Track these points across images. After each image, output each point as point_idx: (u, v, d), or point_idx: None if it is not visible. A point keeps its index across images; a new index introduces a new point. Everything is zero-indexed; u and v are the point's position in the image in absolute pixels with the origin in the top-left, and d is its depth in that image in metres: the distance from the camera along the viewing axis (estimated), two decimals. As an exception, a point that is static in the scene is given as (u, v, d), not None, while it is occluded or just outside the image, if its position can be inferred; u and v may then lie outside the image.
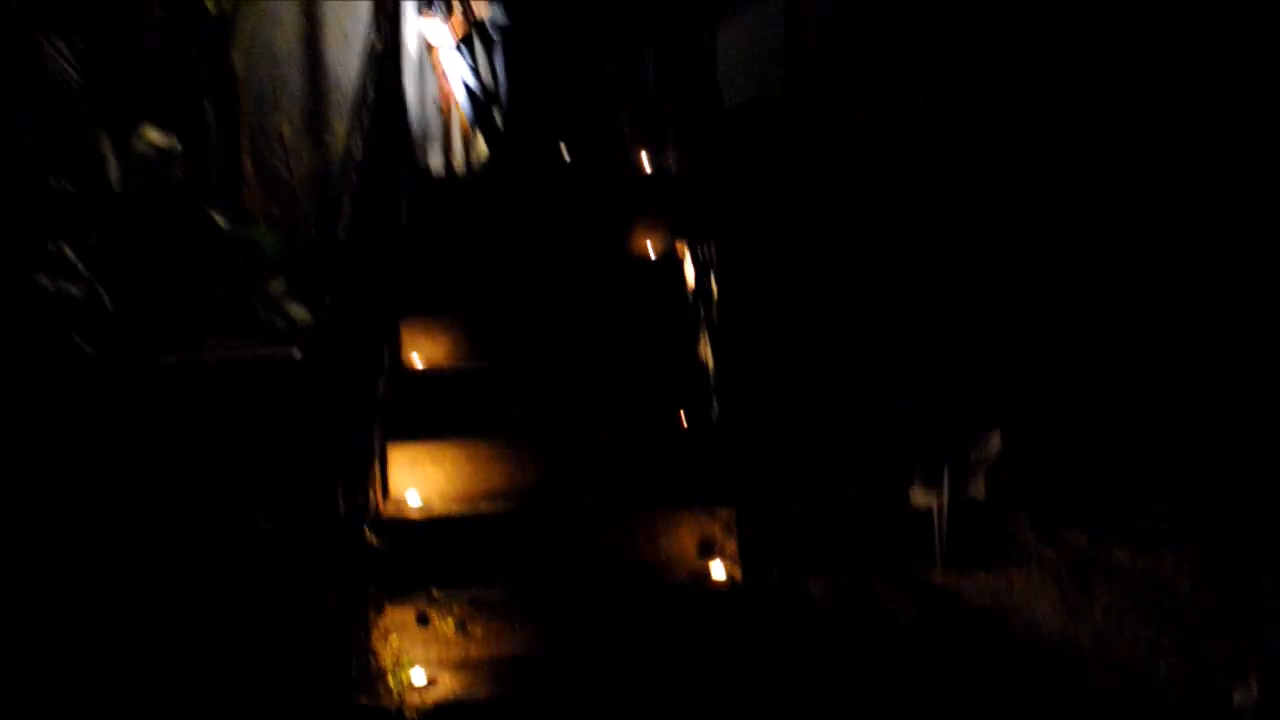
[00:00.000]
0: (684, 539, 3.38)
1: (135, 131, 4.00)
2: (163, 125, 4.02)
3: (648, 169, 4.81)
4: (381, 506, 3.40)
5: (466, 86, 5.00)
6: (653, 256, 4.48)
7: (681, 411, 3.76)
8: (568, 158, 4.53)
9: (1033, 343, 5.20)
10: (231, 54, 4.36)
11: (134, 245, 3.82)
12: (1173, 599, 3.77)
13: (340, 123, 5.03)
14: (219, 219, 3.96)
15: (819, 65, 5.13)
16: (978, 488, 4.89)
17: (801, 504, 4.05)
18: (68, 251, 3.56)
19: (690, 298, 4.20)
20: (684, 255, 4.35)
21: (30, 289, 3.34)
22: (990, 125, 5.18)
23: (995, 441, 4.98)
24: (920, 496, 4.99)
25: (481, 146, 5.33)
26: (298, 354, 3.06)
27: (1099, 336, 5.19)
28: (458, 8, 4.91)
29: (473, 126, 5.14)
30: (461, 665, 3.05)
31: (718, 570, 3.31)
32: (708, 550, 3.36)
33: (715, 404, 3.79)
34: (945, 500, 4.84)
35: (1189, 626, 3.54)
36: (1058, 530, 4.37)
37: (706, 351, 3.95)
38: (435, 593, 3.03)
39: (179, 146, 4.05)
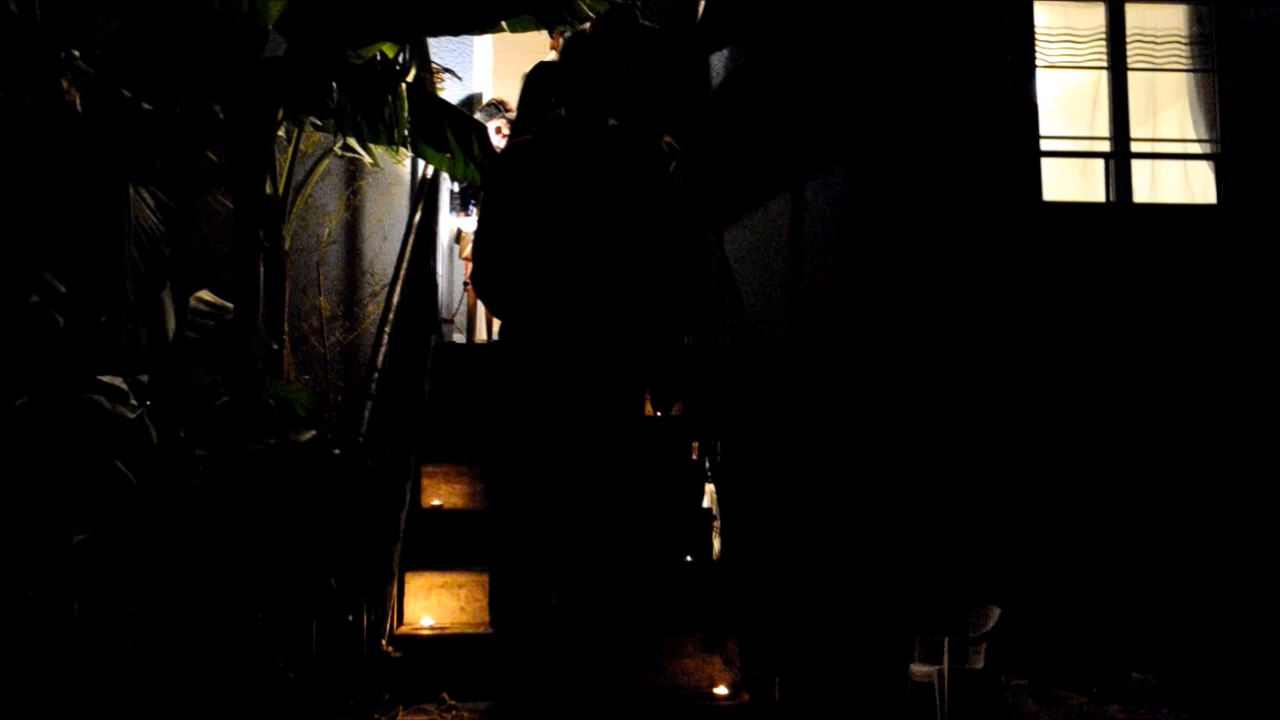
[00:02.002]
0: (687, 663, 3.50)
1: (193, 291, 4.41)
2: (219, 283, 4.43)
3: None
4: (398, 624, 3.55)
5: (491, 271, 5.48)
6: (659, 415, 4.79)
7: (686, 552, 3.95)
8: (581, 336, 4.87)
9: (1030, 518, 5.41)
10: (283, 231, 4.83)
11: (181, 387, 4.13)
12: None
13: (372, 304, 5.47)
14: (260, 377, 4.28)
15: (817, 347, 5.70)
16: (977, 659, 4.96)
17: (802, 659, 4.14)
18: (121, 383, 3.86)
19: (696, 455, 4.48)
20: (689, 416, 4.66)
21: (86, 409, 3.61)
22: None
23: (994, 614, 5.10)
24: (920, 669, 5.06)
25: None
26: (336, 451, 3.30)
27: (1093, 513, 5.41)
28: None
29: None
30: (469, 776, 3.13)
31: (721, 690, 3.42)
32: (710, 675, 3.48)
33: (717, 545, 4.00)
34: (946, 672, 4.90)
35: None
36: (1057, 692, 4.42)
37: (711, 501, 4.19)
38: (447, 699, 3.14)
39: (230, 307, 4.45)
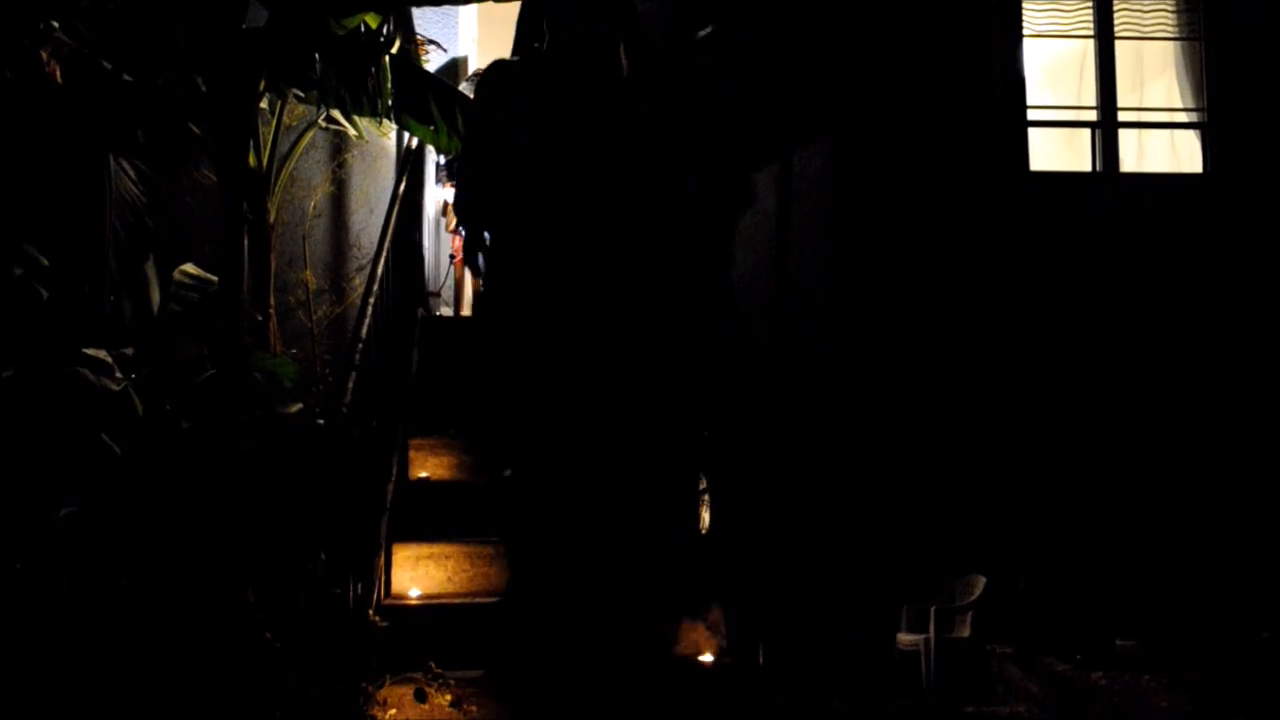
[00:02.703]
0: (672, 633, 3.53)
1: (177, 264, 4.40)
2: (203, 257, 4.42)
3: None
4: (386, 595, 3.56)
5: (477, 244, 5.46)
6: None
7: (672, 524, 3.96)
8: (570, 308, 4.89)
9: (1015, 488, 5.45)
10: (267, 204, 4.82)
11: (166, 359, 4.12)
12: (1156, 714, 3.86)
13: (359, 277, 5.45)
14: (245, 349, 4.28)
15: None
16: (963, 628, 5.00)
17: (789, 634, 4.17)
18: (106, 356, 3.85)
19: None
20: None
21: (71, 382, 3.61)
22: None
23: (979, 583, 5.14)
24: (907, 638, 5.10)
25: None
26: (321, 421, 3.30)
27: (1078, 483, 5.46)
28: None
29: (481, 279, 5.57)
30: (456, 744, 3.15)
31: (706, 658, 3.45)
32: (696, 643, 3.50)
33: (705, 518, 4.01)
34: (932, 641, 4.94)
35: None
36: (1042, 660, 4.46)
37: (699, 475, 4.19)
38: (434, 668, 3.16)
39: (214, 280, 4.44)
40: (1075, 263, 5.72)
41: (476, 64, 6.28)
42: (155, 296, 4.17)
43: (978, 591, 5.09)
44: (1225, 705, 3.80)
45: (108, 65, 4.05)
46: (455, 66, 6.13)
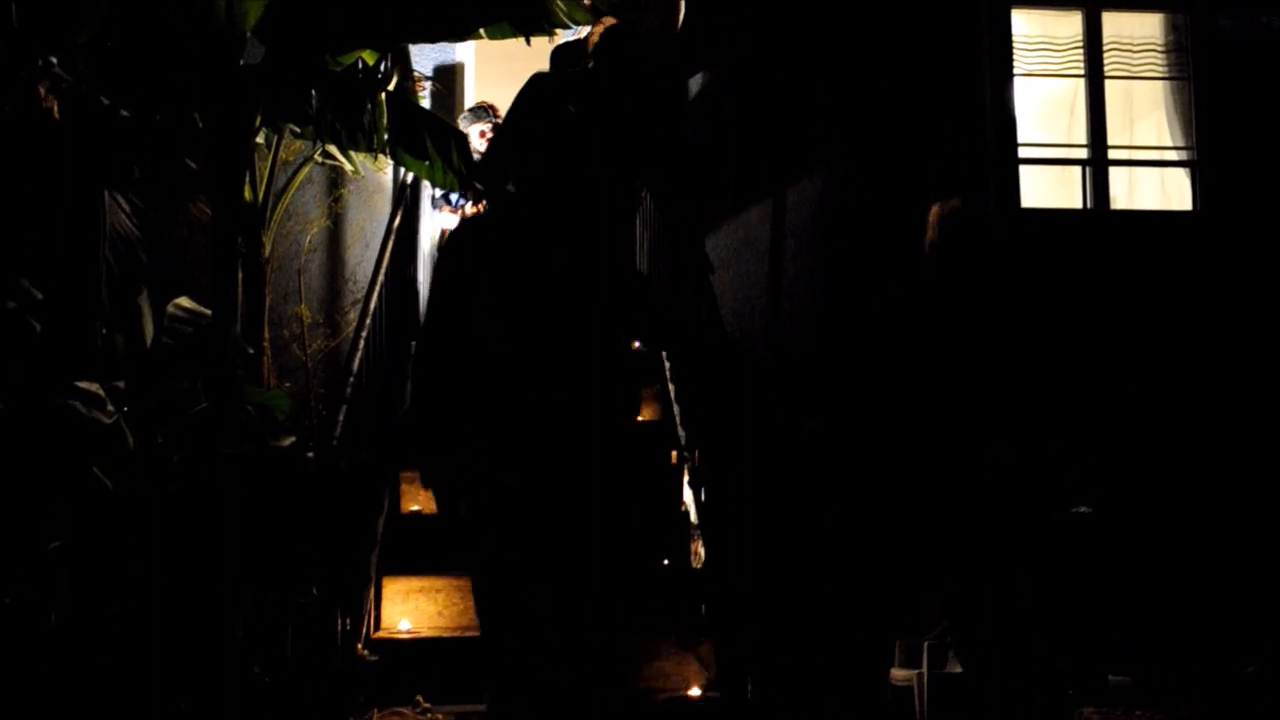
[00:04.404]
0: (663, 664, 3.52)
1: (171, 297, 4.41)
2: (197, 291, 4.43)
3: (637, 345, 5.24)
4: (375, 628, 3.56)
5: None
6: (640, 419, 4.82)
7: (664, 556, 3.97)
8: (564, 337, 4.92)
9: (1006, 523, 5.42)
10: (262, 238, 4.84)
11: (158, 393, 4.13)
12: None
13: (354, 311, 5.47)
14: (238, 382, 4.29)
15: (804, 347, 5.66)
16: (956, 663, 4.98)
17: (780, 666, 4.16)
18: (98, 389, 3.86)
19: (675, 461, 4.50)
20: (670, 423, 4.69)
21: (62, 415, 3.61)
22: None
23: (973, 619, 5.11)
24: (900, 674, 5.07)
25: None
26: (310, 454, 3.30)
27: (1069, 517, 5.43)
28: (468, 202, 5.47)
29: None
30: (443, 779, 3.13)
31: (695, 691, 3.44)
32: (685, 678, 3.49)
33: (700, 553, 4.01)
34: (925, 676, 4.91)
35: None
36: (1033, 695, 4.43)
37: (689, 506, 4.20)
38: (422, 702, 3.15)
39: (208, 313, 4.46)
40: (1067, 297, 5.73)
41: (472, 97, 6.35)
42: (148, 330, 4.18)
43: (971, 627, 5.07)
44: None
45: (105, 101, 4.09)
46: (451, 99, 6.20)
